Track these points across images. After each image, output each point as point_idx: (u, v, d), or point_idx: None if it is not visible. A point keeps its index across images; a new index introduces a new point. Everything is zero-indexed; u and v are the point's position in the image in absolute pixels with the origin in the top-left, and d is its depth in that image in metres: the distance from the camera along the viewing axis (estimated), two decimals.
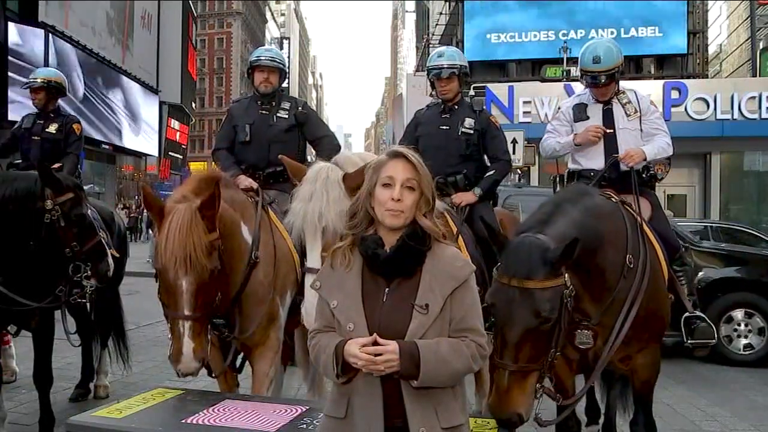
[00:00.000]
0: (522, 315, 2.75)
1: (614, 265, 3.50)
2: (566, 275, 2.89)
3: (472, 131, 4.92)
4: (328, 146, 4.90)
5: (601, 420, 4.94)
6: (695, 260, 8.24)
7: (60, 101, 6.32)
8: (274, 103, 4.97)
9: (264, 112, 4.95)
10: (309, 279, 3.20)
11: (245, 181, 4.61)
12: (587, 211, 3.47)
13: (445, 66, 4.93)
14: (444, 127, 4.97)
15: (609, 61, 4.40)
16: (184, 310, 3.27)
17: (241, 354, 4.32)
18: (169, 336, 3.38)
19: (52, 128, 5.98)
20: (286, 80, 5.30)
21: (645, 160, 4.34)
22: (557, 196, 3.71)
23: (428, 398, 2.24)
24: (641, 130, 4.48)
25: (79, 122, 6.22)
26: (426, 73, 5.09)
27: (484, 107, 5.24)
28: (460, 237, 4.47)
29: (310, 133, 4.99)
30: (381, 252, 2.30)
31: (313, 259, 3.20)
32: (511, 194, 8.94)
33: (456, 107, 5.01)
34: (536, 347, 2.79)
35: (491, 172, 4.94)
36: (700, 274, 8.18)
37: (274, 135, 4.86)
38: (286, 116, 4.93)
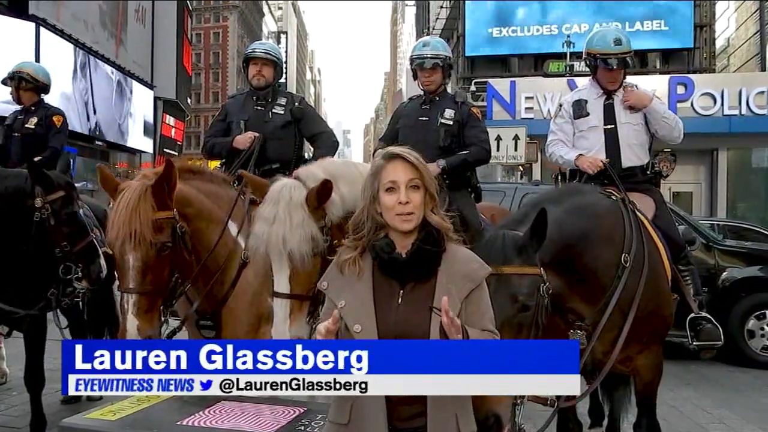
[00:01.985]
0: (500, 301, 2.74)
1: (608, 265, 3.51)
2: (542, 269, 2.93)
3: (451, 122, 4.88)
4: (326, 143, 4.89)
5: (605, 422, 4.94)
6: (717, 259, 8.24)
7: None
8: (269, 99, 4.95)
9: (259, 107, 4.92)
10: (277, 304, 3.14)
11: (244, 139, 4.62)
12: (573, 210, 3.48)
13: (428, 56, 4.90)
14: (423, 119, 4.95)
15: (627, 44, 4.44)
16: (129, 284, 3.28)
17: None
18: None
19: (32, 123, 5.84)
20: (284, 76, 5.28)
21: (647, 106, 4.37)
22: (539, 196, 3.74)
23: (452, 403, 2.25)
24: (644, 123, 4.48)
25: (60, 114, 6.02)
26: (409, 62, 5.08)
27: (468, 99, 5.19)
28: None
29: (307, 130, 4.96)
30: (397, 256, 2.31)
31: (281, 284, 3.13)
32: (528, 192, 8.92)
33: (437, 99, 4.98)
34: (515, 334, 2.80)
35: (464, 152, 4.84)
36: (724, 274, 8.17)
37: (270, 131, 4.82)
38: (282, 112, 4.90)
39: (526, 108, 20.95)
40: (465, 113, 4.94)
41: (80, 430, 3.13)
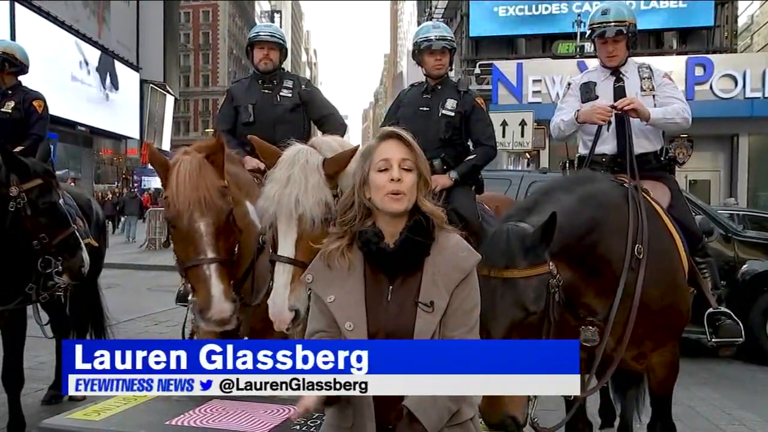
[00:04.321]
0: (506, 308, 2.75)
1: (621, 256, 3.49)
2: (551, 263, 2.91)
3: (453, 113, 4.87)
4: (335, 124, 4.97)
5: (617, 422, 4.94)
6: (737, 251, 8.22)
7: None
8: (275, 82, 5.05)
9: (266, 91, 5.03)
10: (279, 268, 3.18)
11: (252, 161, 4.64)
12: (585, 198, 3.45)
13: (437, 38, 4.90)
14: (424, 109, 4.94)
15: (618, 14, 4.41)
16: (207, 253, 3.33)
17: None
18: (189, 289, 3.45)
19: (8, 107, 5.62)
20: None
21: (648, 118, 4.22)
22: (550, 183, 3.68)
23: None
24: (655, 107, 4.44)
25: (41, 98, 5.78)
26: (414, 46, 5.03)
27: (470, 88, 5.16)
28: None
29: (314, 112, 5.06)
30: (385, 246, 2.30)
31: (286, 247, 3.17)
32: (535, 181, 8.89)
33: (439, 87, 4.97)
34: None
35: (471, 157, 4.89)
36: (744, 266, 8.15)
37: (279, 115, 4.93)
38: (290, 95, 5.01)
39: (534, 92, 20.93)
40: (468, 103, 4.93)
41: (61, 431, 3.12)
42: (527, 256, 2.85)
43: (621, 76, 4.48)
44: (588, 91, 4.50)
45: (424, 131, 4.77)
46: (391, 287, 2.31)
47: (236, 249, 3.60)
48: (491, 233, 2.97)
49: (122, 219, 27.73)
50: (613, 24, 4.39)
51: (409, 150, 2.32)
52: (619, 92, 4.42)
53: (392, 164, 2.29)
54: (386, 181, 2.27)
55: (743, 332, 4.19)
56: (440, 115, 4.87)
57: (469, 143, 5.01)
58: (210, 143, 3.57)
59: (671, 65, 18.55)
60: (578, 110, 4.39)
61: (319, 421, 2.78)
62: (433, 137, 4.81)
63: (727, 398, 6.70)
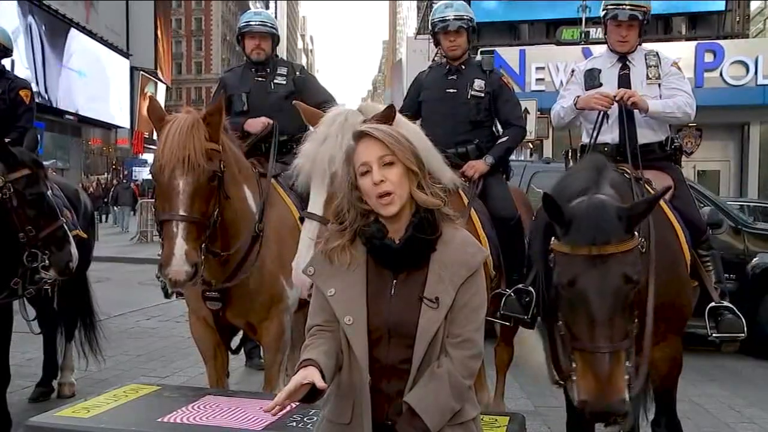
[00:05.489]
0: (614, 284, 2.70)
1: None
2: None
3: (483, 94, 4.88)
4: None
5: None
6: (747, 244, 8.21)
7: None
8: (269, 70, 5.09)
9: (260, 79, 5.07)
10: (307, 226, 3.26)
11: (256, 123, 4.71)
12: (612, 183, 3.43)
13: (452, 17, 4.90)
14: (451, 90, 4.93)
15: None
16: (179, 210, 3.46)
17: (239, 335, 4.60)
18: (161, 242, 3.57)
19: None
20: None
21: (646, 111, 4.20)
22: (587, 163, 3.62)
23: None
24: (660, 97, 4.43)
25: (28, 88, 5.71)
26: (431, 27, 5.06)
27: (495, 67, 5.18)
28: (475, 216, 4.48)
29: (310, 99, 5.01)
30: (390, 242, 2.30)
31: (315, 205, 3.25)
32: (539, 171, 8.86)
33: (463, 67, 4.98)
34: (626, 321, 2.76)
35: (503, 139, 4.93)
36: (754, 260, 8.14)
37: (274, 103, 4.96)
38: (284, 82, 5.06)
39: (537, 79, 20.87)
40: (495, 83, 4.96)
41: (49, 428, 3.12)
42: (626, 229, 2.80)
43: (627, 63, 4.45)
44: (592, 79, 4.48)
45: (453, 114, 4.83)
46: (395, 282, 2.31)
47: (216, 215, 3.70)
48: (581, 209, 2.88)
49: (115, 209, 28.30)
50: (628, 7, 4.36)
51: (382, 145, 2.28)
52: (624, 80, 4.40)
53: (372, 166, 2.27)
54: (371, 186, 2.27)
55: (745, 327, 4.17)
56: (469, 96, 4.89)
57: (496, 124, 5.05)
58: (212, 105, 3.73)
59: (680, 51, 18.45)
60: (578, 96, 4.38)
61: (315, 418, 2.79)
62: (463, 119, 4.86)
63: (735, 395, 6.71)
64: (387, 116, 3.27)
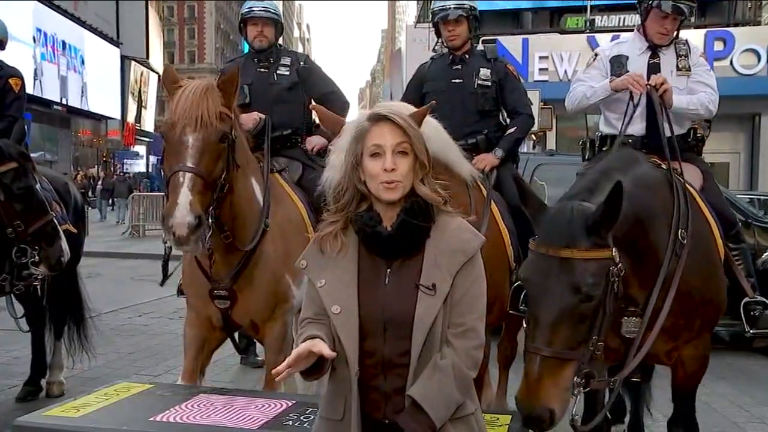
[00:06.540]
0: (559, 289, 2.70)
1: (665, 242, 3.45)
2: (615, 251, 2.82)
3: (489, 83, 4.91)
4: (337, 103, 4.97)
5: (627, 419, 4.96)
6: (757, 239, 8.19)
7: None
8: (272, 59, 5.05)
9: (263, 70, 5.03)
10: None
11: (248, 119, 4.66)
12: (638, 181, 3.39)
13: (452, 6, 4.91)
14: (457, 81, 4.95)
15: None
16: (187, 162, 3.50)
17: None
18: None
19: None
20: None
21: (671, 106, 4.12)
22: (604, 163, 3.58)
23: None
24: (689, 88, 4.34)
25: (18, 76, 5.59)
26: (431, 16, 5.07)
27: (499, 55, 5.19)
28: (495, 209, 4.50)
29: (315, 90, 5.06)
30: (382, 229, 2.30)
31: None
32: (542, 163, 8.85)
33: (467, 57, 5.00)
34: (575, 331, 2.73)
35: (512, 130, 4.94)
36: (765, 255, 8.09)
37: (277, 94, 4.95)
38: (288, 73, 5.02)
39: (540, 69, 20.78)
40: (501, 71, 4.99)
41: (37, 428, 3.12)
42: (590, 235, 2.77)
43: (658, 51, 4.38)
44: (619, 66, 4.37)
45: (461, 104, 4.83)
46: (389, 271, 2.31)
47: (224, 179, 3.71)
48: (552, 210, 2.92)
49: (114, 201, 29.60)
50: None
51: (403, 132, 2.29)
52: (654, 69, 4.33)
53: (385, 151, 2.27)
54: (380, 170, 2.26)
55: None
56: (476, 86, 4.91)
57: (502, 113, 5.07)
58: (226, 74, 3.84)
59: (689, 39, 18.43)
60: (612, 77, 4.27)
61: (312, 417, 2.80)
62: (471, 110, 4.89)
63: (745, 394, 6.72)
64: (422, 114, 3.25)
